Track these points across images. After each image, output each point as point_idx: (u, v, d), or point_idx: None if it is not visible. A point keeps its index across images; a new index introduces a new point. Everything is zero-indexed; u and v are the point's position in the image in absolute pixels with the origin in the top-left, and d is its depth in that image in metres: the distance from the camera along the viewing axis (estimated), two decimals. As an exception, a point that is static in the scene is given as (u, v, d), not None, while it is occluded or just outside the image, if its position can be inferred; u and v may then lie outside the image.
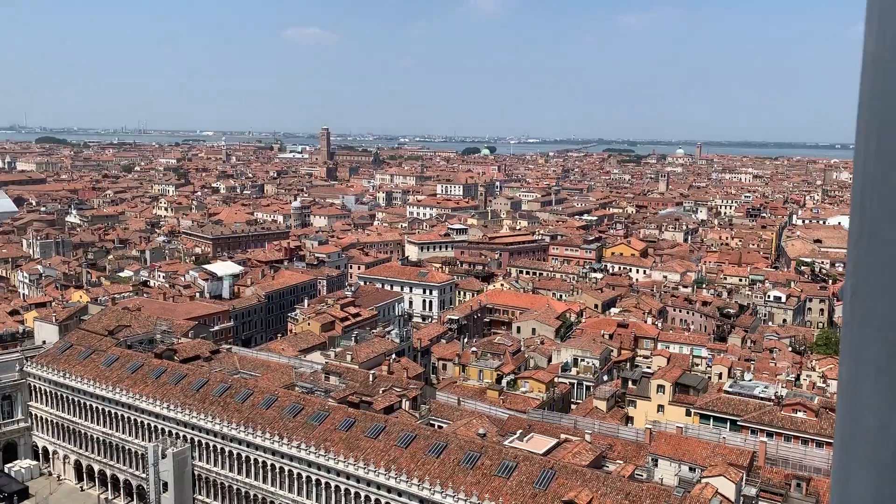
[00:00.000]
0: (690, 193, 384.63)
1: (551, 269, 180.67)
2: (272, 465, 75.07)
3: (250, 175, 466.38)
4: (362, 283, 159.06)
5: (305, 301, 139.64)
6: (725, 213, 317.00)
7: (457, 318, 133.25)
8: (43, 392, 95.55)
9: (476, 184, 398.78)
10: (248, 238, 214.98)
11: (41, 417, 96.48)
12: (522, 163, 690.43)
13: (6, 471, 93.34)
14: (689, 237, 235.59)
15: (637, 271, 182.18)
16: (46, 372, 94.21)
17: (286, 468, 74.04)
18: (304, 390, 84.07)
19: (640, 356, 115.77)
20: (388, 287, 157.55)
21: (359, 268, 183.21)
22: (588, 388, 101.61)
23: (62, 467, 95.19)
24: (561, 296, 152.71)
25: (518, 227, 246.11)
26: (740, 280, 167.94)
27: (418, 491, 65.06)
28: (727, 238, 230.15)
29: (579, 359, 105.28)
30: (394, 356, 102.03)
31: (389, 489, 66.97)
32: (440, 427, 78.24)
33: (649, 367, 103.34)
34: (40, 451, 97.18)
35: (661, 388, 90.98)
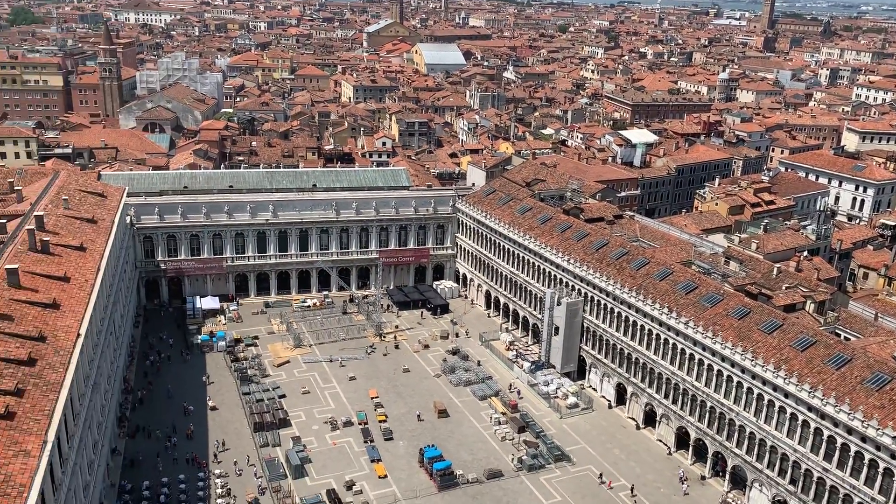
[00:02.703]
0: None
1: None
2: (657, 334, 76.52)
3: (680, 41, 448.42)
4: (783, 170, 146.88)
5: (717, 180, 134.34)
6: None
7: (892, 223, 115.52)
8: (467, 227, 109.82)
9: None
10: (667, 107, 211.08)
11: (463, 248, 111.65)
12: None
13: (434, 287, 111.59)
14: None
15: None
16: (472, 210, 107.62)
17: (670, 341, 74.86)
18: (700, 270, 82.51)
19: None
20: (812, 177, 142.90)
21: (782, 152, 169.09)
22: None
23: (475, 294, 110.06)
24: None
25: None
26: None
27: (808, 398, 60.61)
28: None
29: None
30: (805, 253, 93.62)
31: (776, 387, 63.61)
32: (847, 339, 70.75)
33: None
34: (460, 277, 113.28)
35: None
